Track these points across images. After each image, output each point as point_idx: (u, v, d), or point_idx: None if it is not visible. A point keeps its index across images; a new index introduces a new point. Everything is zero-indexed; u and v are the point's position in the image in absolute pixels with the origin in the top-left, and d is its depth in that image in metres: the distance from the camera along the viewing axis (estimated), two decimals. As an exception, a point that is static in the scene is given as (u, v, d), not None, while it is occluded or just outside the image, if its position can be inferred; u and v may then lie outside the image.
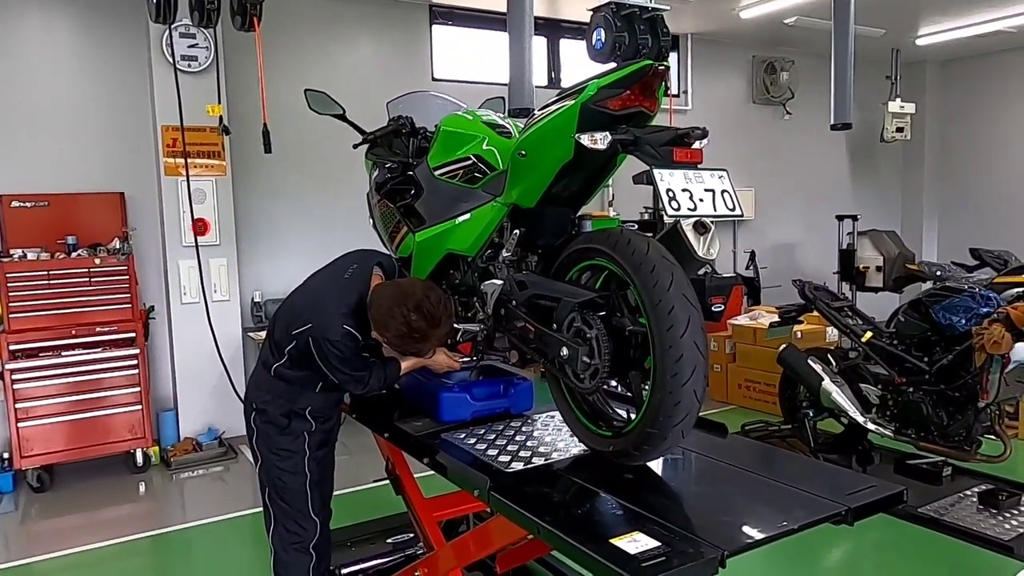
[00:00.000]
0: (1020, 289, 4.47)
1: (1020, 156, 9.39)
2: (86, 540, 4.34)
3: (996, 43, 8.77)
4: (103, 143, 5.72)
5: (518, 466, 2.17)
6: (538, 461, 2.21)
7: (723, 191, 1.93)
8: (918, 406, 4.36)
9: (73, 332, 5.12)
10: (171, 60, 5.36)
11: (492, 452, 2.28)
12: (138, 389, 5.30)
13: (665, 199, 1.83)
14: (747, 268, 8.12)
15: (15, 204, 5.27)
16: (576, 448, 2.28)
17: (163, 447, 5.63)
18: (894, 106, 9.23)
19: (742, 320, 6.75)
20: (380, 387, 2.60)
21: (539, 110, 2.17)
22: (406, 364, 2.62)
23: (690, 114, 8.30)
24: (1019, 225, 8.95)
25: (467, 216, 2.48)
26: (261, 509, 2.83)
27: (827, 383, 4.67)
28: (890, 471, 4.69)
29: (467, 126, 2.62)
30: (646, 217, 7.32)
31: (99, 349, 5.20)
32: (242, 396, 2.90)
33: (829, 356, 4.88)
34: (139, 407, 5.30)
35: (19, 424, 4.99)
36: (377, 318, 2.44)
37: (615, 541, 1.65)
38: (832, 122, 5.37)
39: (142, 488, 5.25)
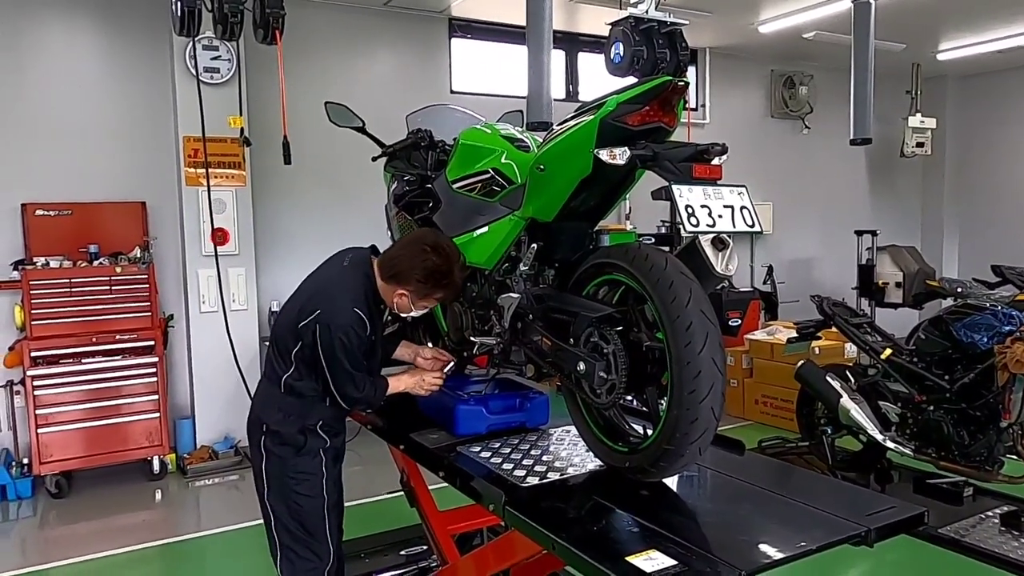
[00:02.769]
0: (1043, 307, 4.41)
1: (1043, 172, 9.30)
2: (103, 547, 4.37)
3: (1018, 58, 8.70)
4: (125, 153, 5.80)
5: (533, 480, 2.16)
6: (553, 476, 2.20)
7: (742, 207, 1.92)
8: (939, 425, 4.30)
9: (93, 339, 5.18)
10: (194, 72, 5.43)
11: (507, 466, 2.28)
12: (156, 397, 5.35)
13: (684, 215, 1.83)
14: (764, 283, 8.06)
15: (39, 212, 5.35)
16: (592, 463, 2.27)
17: (180, 455, 5.67)
18: (914, 121, 9.15)
19: (759, 335, 6.71)
20: (370, 400, 2.58)
21: (558, 125, 2.18)
22: (394, 383, 2.61)
23: (708, 128, 8.28)
24: (1042, 242, 8.85)
25: (485, 229, 2.49)
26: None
27: (846, 400, 4.61)
28: (909, 490, 4.62)
29: (486, 140, 2.63)
30: (663, 231, 7.30)
31: (119, 357, 5.26)
32: None
33: (848, 373, 4.83)
34: (157, 415, 5.35)
35: (39, 430, 5.04)
36: (398, 270, 2.45)
37: (631, 559, 1.64)
38: (852, 137, 5.33)
39: (158, 495, 5.29)
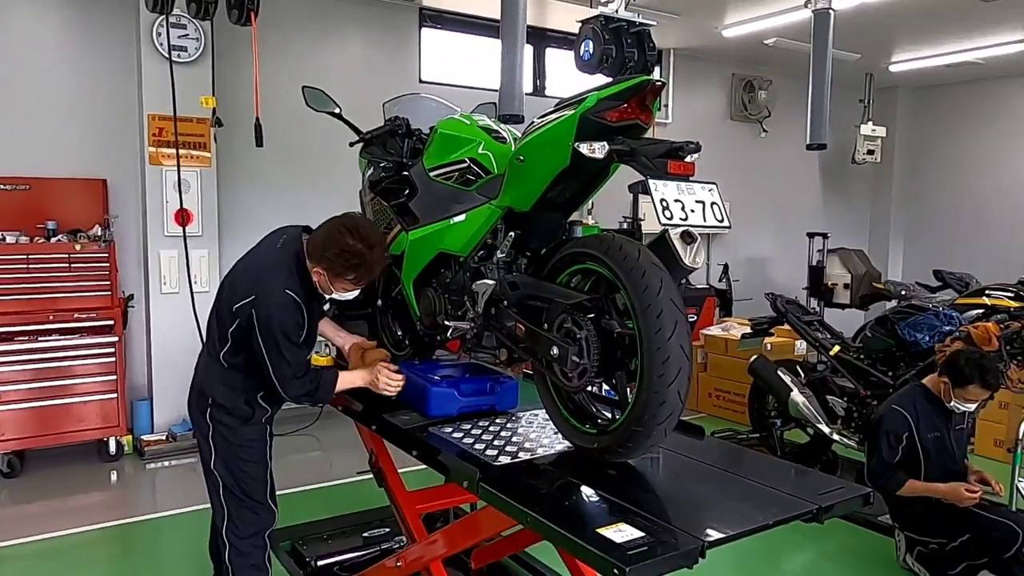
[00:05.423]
0: (980, 311, 4.67)
1: (983, 182, 9.73)
2: (55, 527, 4.32)
3: (965, 73, 9.08)
4: (87, 129, 5.69)
5: (505, 460, 2.24)
6: (524, 456, 2.28)
7: (712, 203, 2.03)
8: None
9: (50, 317, 5.08)
10: (161, 50, 5.36)
11: (479, 446, 2.35)
12: (114, 377, 5.27)
13: (659, 208, 1.93)
14: (720, 280, 8.29)
15: (-5, 186, 5.23)
16: (560, 445, 2.36)
17: (136, 436, 5.60)
18: (866, 129, 9.50)
19: (714, 330, 6.90)
20: (314, 394, 2.59)
21: (539, 118, 2.26)
22: (348, 378, 2.63)
23: (670, 128, 8.45)
24: (980, 248, 9.27)
25: (462, 217, 2.55)
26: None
27: (795, 394, 4.81)
28: (852, 481, 4.83)
29: (464, 130, 2.70)
30: (625, 226, 7.44)
31: (76, 336, 5.16)
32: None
33: (798, 368, 5.04)
34: (114, 395, 5.27)
35: (-8, 408, 4.94)
36: (315, 246, 2.53)
37: (602, 530, 1.73)
38: (808, 142, 5.51)
39: (114, 477, 5.23)
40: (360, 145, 3.19)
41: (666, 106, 8.60)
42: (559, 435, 2.36)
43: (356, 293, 2.68)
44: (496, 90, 4.38)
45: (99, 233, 5.31)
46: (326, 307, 2.88)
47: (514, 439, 2.43)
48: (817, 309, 8.03)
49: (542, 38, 7.74)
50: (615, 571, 1.57)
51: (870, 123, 9.55)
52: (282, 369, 2.52)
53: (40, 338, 5.06)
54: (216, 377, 2.71)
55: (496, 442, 2.40)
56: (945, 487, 3.62)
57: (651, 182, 1.93)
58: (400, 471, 3.08)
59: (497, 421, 2.62)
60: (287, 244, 2.64)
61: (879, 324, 4.72)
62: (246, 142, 5.06)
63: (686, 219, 1.96)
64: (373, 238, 2.53)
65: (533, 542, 3.18)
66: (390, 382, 2.64)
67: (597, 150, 2.01)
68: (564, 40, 7.69)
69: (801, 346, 6.14)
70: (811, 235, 8.63)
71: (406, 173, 2.90)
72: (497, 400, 2.72)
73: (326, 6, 6.56)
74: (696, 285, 7.84)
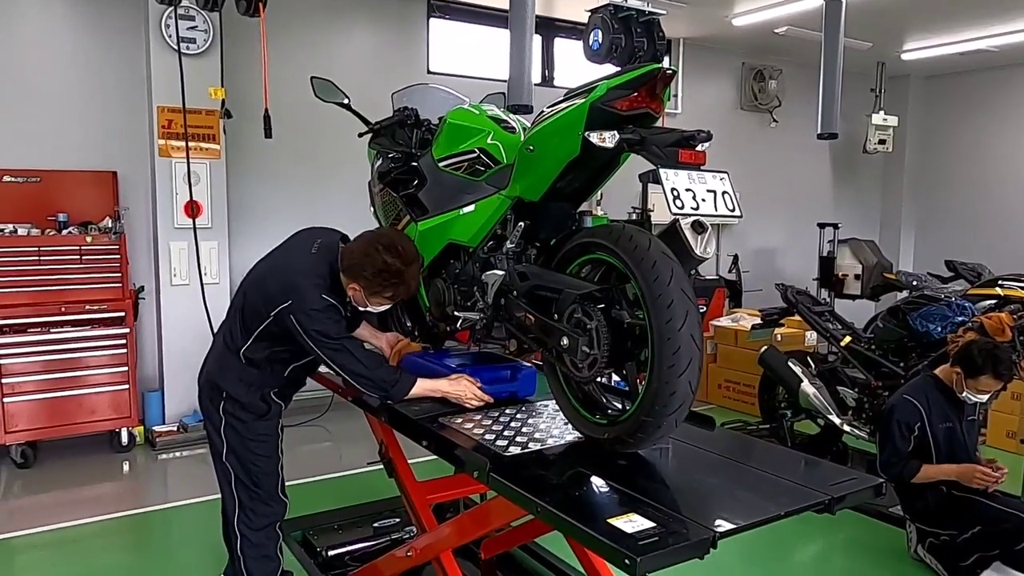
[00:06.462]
0: (993, 301, 4.63)
1: (997, 172, 9.63)
2: (67, 517, 4.35)
3: (978, 61, 8.98)
4: (97, 121, 5.69)
5: (515, 450, 2.23)
6: (535, 446, 2.27)
7: (724, 192, 2.01)
8: (892, 409, 4.50)
9: (62, 309, 5.11)
10: (170, 42, 5.37)
11: (489, 436, 2.35)
12: (125, 368, 5.30)
13: (670, 198, 1.91)
14: (730, 271, 8.25)
15: (7, 179, 5.24)
16: (570, 435, 2.35)
17: (148, 427, 5.64)
18: (877, 118, 9.42)
19: (724, 322, 6.88)
20: (396, 377, 2.54)
21: (549, 107, 2.25)
22: (429, 385, 2.55)
23: (680, 118, 8.40)
24: (993, 239, 9.19)
25: (471, 208, 2.55)
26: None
27: (806, 385, 4.79)
28: (863, 472, 4.81)
29: (473, 120, 2.69)
30: (634, 217, 7.41)
31: (88, 327, 5.18)
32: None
33: (809, 359, 5.01)
34: (126, 386, 5.30)
35: (5, 399, 4.96)
36: (351, 264, 2.50)
37: (612, 521, 1.72)
38: (819, 131, 5.45)
39: (126, 467, 5.27)
40: (369, 136, 3.19)
41: (676, 96, 8.55)
42: (569, 426, 2.36)
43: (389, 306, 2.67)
44: (505, 80, 4.34)
45: (110, 225, 5.33)
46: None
47: (524, 429, 2.43)
48: (828, 300, 7.99)
49: (550, 28, 7.69)
50: (626, 561, 1.57)
51: (881, 112, 9.47)
52: (352, 366, 2.50)
53: (52, 330, 5.09)
54: (232, 372, 2.72)
55: (506, 432, 2.39)
56: (957, 468, 3.62)
57: (662, 171, 1.91)
58: (410, 462, 3.09)
59: (507, 411, 2.61)
60: (322, 252, 2.61)
61: (890, 315, 4.69)
62: (255, 133, 5.06)
63: (697, 208, 1.95)
64: (410, 255, 2.50)
65: (543, 532, 3.18)
66: (474, 397, 2.55)
67: (607, 139, 2.00)
68: (573, 30, 7.66)
69: (811, 337, 6.11)
70: (822, 225, 8.58)
71: (415, 164, 2.90)
72: (518, 387, 2.71)
73: (333, -3, 6.55)
74: (706, 276, 7.81)
